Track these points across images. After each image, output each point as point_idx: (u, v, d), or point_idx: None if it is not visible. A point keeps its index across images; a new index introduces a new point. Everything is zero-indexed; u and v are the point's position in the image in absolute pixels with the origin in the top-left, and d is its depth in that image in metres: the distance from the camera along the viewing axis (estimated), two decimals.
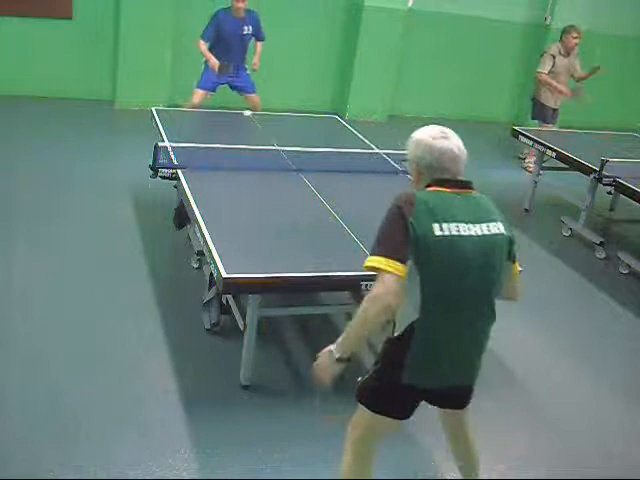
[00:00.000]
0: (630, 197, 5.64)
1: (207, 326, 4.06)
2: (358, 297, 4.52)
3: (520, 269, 2.63)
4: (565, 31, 7.77)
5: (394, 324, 2.51)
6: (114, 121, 7.99)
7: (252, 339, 3.55)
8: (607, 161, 5.67)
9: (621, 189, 5.72)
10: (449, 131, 2.48)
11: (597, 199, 6.15)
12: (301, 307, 4.12)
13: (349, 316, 4.45)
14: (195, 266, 4.65)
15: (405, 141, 2.56)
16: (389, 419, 2.59)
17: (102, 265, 4.71)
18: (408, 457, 3.34)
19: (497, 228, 2.43)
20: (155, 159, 4.48)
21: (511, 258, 2.52)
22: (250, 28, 6.93)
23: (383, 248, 2.33)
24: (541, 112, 7.94)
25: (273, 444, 3.30)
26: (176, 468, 3.07)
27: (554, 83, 7.67)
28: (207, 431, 3.32)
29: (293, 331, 4.22)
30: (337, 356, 2.39)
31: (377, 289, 2.28)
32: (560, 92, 7.71)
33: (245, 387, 3.63)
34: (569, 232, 6.29)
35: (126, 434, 3.23)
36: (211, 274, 3.72)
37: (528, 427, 3.70)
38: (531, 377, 4.13)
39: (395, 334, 2.48)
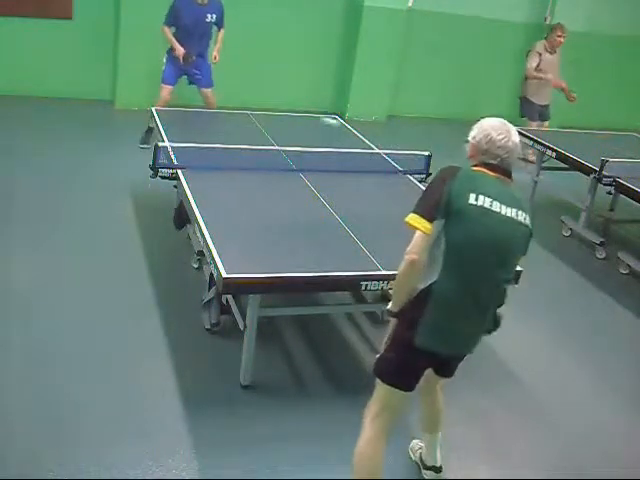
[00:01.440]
0: (630, 197, 5.64)
1: (207, 326, 4.06)
2: (358, 297, 4.54)
3: (521, 269, 2.72)
4: (551, 29, 7.88)
5: None
6: (114, 121, 7.99)
7: (252, 339, 3.54)
8: (607, 161, 5.67)
9: (621, 189, 5.72)
10: (511, 127, 2.71)
11: (597, 199, 6.15)
12: (301, 307, 4.12)
13: (349, 316, 4.47)
14: (195, 266, 4.65)
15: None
16: (400, 391, 2.72)
17: (102, 265, 4.71)
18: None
19: (524, 218, 2.63)
20: (155, 159, 4.48)
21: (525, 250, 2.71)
22: (214, 16, 6.68)
23: (417, 206, 2.58)
24: (528, 109, 8.00)
25: (273, 444, 3.30)
26: (176, 468, 3.07)
27: (542, 75, 7.77)
28: (207, 431, 3.32)
29: (293, 331, 4.22)
30: (387, 308, 2.69)
31: (408, 247, 2.53)
32: (549, 80, 7.79)
33: (245, 387, 3.63)
34: (569, 232, 6.29)
35: (126, 434, 3.23)
36: (211, 274, 3.72)
37: (528, 427, 3.70)
38: (531, 377, 4.13)
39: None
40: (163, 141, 4.84)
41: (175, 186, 4.73)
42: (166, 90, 6.79)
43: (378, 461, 2.76)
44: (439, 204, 2.51)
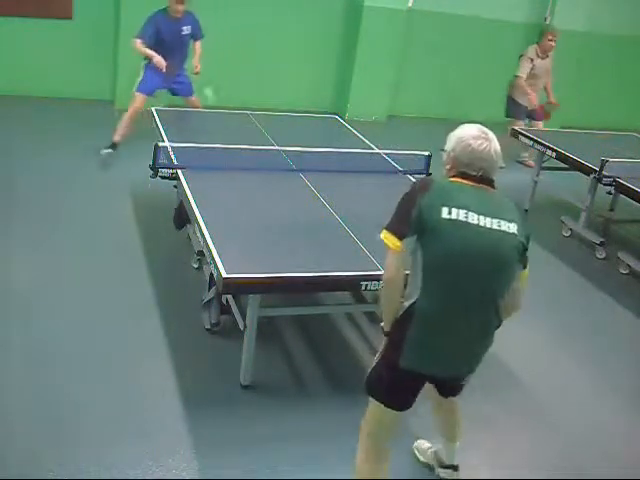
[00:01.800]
0: (630, 197, 5.64)
1: (207, 326, 4.06)
2: (358, 297, 4.54)
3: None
4: (542, 33, 7.81)
5: None
6: (114, 121, 7.97)
7: (252, 339, 3.54)
8: (607, 161, 5.67)
9: (621, 189, 5.72)
10: (490, 133, 2.56)
11: (597, 199, 6.15)
12: (301, 307, 4.12)
13: (349, 316, 4.47)
14: (195, 266, 4.65)
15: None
16: (392, 411, 2.65)
17: (102, 265, 4.71)
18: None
19: (509, 227, 2.47)
20: (155, 159, 4.48)
21: (522, 263, 2.55)
22: (189, 28, 6.67)
23: (389, 223, 2.53)
24: (515, 110, 7.94)
25: (273, 444, 3.30)
26: (176, 468, 3.08)
27: (529, 91, 7.69)
28: (207, 431, 3.32)
29: (293, 331, 4.22)
30: (381, 325, 2.65)
31: (386, 262, 2.51)
32: (530, 100, 7.76)
33: (245, 387, 3.63)
34: (569, 232, 6.29)
35: (126, 434, 3.23)
36: (211, 274, 3.72)
37: (528, 427, 3.70)
38: (531, 377, 4.13)
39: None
40: (163, 141, 4.84)
41: (175, 186, 4.73)
42: (141, 98, 6.58)
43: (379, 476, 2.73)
44: (409, 220, 2.43)
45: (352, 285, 3.56)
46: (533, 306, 4.80)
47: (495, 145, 2.53)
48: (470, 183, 2.51)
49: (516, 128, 6.94)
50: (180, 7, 6.41)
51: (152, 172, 4.51)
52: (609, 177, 5.69)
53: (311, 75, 9.16)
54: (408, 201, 2.50)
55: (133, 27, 7.91)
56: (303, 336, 4.20)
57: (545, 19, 9.70)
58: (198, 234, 3.77)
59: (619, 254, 5.75)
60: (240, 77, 8.53)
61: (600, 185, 5.86)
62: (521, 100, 7.87)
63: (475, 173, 2.51)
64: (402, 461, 3.24)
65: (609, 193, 6.25)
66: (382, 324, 2.64)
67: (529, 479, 3.31)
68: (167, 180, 4.56)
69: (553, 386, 4.09)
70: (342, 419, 3.52)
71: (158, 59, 6.40)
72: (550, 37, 7.70)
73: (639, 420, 3.91)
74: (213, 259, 3.36)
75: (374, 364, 2.68)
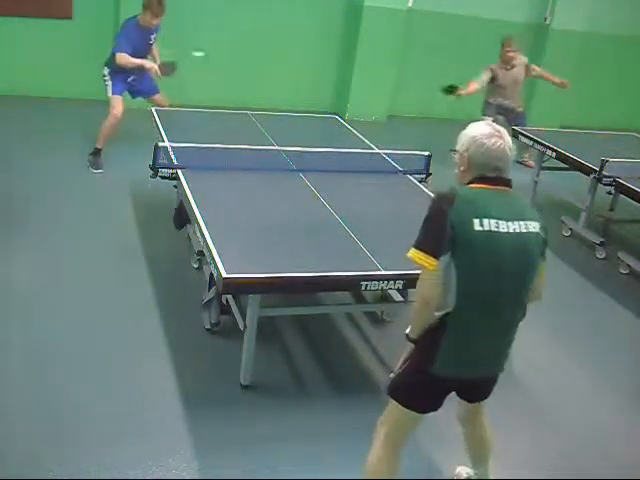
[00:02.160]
0: (630, 197, 5.64)
1: (207, 326, 4.06)
2: (358, 297, 4.54)
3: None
4: (502, 44, 7.62)
5: None
6: None
7: (252, 339, 3.54)
8: (607, 161, 5.67)
9: (621, 189, 5.72)
10: (502, 129, 2.53)
11: (597, 199, 6.15)
12: (301, 307, 4.12)
13: (349, 316, 4.47)
14: (195, 266, 4.65)
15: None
16: (416, 413, 2.66)
17: (102, 265, 4.71)
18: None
19: (533, 227, 2.51)
20: (155, 159, 4.48)
21: (542, 255, 2.63)
22: (155, 36, 6.69)
23: (420, 242, 2.44)
24: (488, 110, 7.80)
25: (273, 444, 3.30)
26: (176, 468, 3.07)
27: (466, 92, 7.44)
28: (207, 431, 3.32)
29: (293, 331, 4.22)
30: (406, 332, 2.59)
31: (417, 284, 2.46)
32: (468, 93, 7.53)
33: (245, 387, 3.63)
34: (569, 232, 6.29)
35: (126, 434, 3.23)
36: (211, 274, 3.72)
37: (528, 427, 3.70)
38: (531, 376, 4.13)
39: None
40: (163, 141, 4.84)
41: (175, 186, 4.73)
42: (119, 101, 6.56)
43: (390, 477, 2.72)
44: (443, 238, 2.37)
45: (352, 285, 3.55)
46: (533, 306, 4.80)
47: (509, 142, 2.50)
48: (490, 187, 2.48)
49: (516, 128, 6.94)
50: (156, 21, 6.40)
51: (152, 172, 4.51)
52: (609, 177, 5.69)
53: (311, 75, 9.16)
54: (439, 218, 2.41)
55: None
56: (303, 336, 4.20)
57: (545, 19, 9.70)
58: (198, 234, 3.77)
59: (619, 254, 5.75)
60: (240, 77, 8.54)
61: (600, 185, 5.86)
62: (492, 100, 7.78)
63: (491, 174, 2.48)
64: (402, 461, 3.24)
65: (609, 193, 6.25)
66: (408, 332, 2.59)
67: (529, 479, 3.31)
68: (167, 180, 4.57)
69: (553, 386, 4.09)
70: (342, 419, 3.52)
71: (150, 65, 6.42)
72: (507, 47, 7.54)
73: (639, 420, 3.91)
74: (213, 259, 3.36)
75: (400, 370, 2.65)
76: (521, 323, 2.69)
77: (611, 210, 6.67)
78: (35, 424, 3.21)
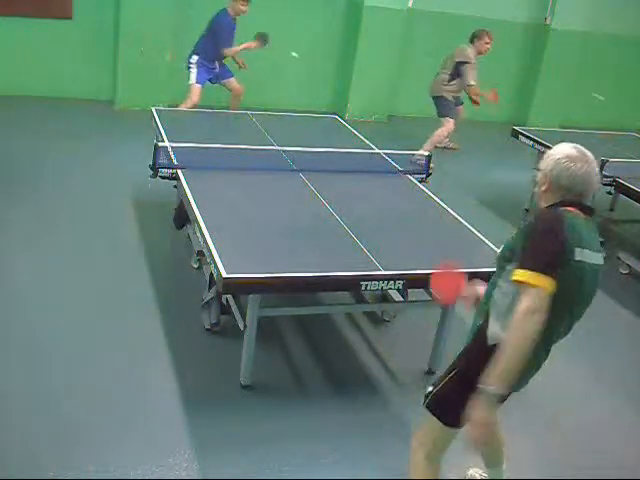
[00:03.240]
0: (630, 197, 5.64)
1: (207, 326, 4.06)
2: (358, 297, 4.54)
3: None
4: (477, 36, 7.56)
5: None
6: (114, 121, 7.99)
7: (252, 339, 3.55)
8: (607, 161, 5.67)
9: (621, 189, 5.72)
10: (589, 154, 2.45)
11: (597, 199, 6.14)
12: (301, 307, 4.13)
13: (349, 316, 4.47)
14: (195, 266, 4.65)
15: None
16: (454, 430, 2.61)
17: (102, 265, 4.71)
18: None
19: (602, 259, 2.48)
20: (155, 159, 4.49)
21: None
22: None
23: (534, 263, 2.29)
24: (450, 109, 7.70)
25: (273, 444, 3.30)
26: (176, 468, 3.08)
27: (485, 94, 7.53)
28: (207, 431, 3.32)
29: (293, 331, 4.22)
30: (500, 393, 2.30)
31: (530, 304, 2.25)
32: (490, 99, 7.60)
33: (245, 387, 3.63)
34: None
35: (126, 434, 3.23)
36: (211, 274, 3.72)
37: (527, 427, 3.70)
38: None
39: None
40: (163, 141, 4.84)
41: (175, 186, 4.73)
42: (198, 89, 7.22)
43: None
44: (560, 257, 2.30)
45: (352, 285, 3.55)
46: None
47: (594, 167, 2.43)
48: (583, 216, 2.43)
49: (517, 128, 6.93)
50: (245, 8, 7.09)
51: (152, 172, 4.51)
52: (609, 177, 5.69)
53: (311, 75, 9.16)
54: (555, 238, 2.31)
55: (133, 27, 7.97)
56: (303, 336, 4.20)
57: (545, 19, 9.70)
58: (198, 234, 3.77)
59: (619, 254, 5.75)
60: (240, 77, 8.52)
61: (600, 185, 5.86)
62: (451, 97, 7.69)
63: (577, 199, 2.43)
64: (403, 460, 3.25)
65: (609, 193, 6.25)
66: (493, 389, 2.28)
67: (529, 479, 3.32)
68: (167, 180, 4.57)
69: (553, 386, 4.08)
70: (342, 419, 3.53)
71: (249, 45, 7.26)
72: (487, 40, 7.52)
73: (639, 420, 3.91)
74: (213, 259, 3.36)
75: (442, 385, 2.58)
76: None
77: (611, 210, 6.67)
78: (35, 424, 3.21)
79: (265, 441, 3.31)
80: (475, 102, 7.54)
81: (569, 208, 2.42)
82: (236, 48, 7.18)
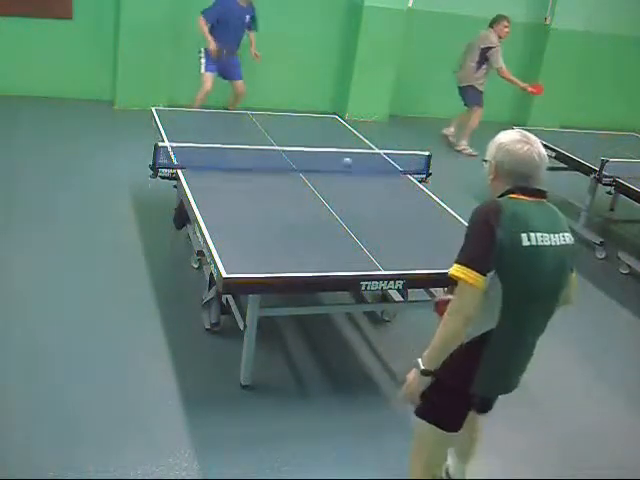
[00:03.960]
0: (630, 197, 5.64)
1: (207, 326, 4.06)
2: (358, 297, 4.54)
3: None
4: (497, 21, 7.94)
5: None
6: (114, 121, 7.99)
7: (252, 339, 3.54)
8: (607, 161, 5.67)
9: (621, 189, 5.72)
10: (532, 136, 2.45)
11: (597, 199, 6.15)
12: (301, 307, 4.13)
13: (349, 316, 4.47)
14: (195, 266, 4.65)
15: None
16: (449, 433, 2.61)
17: (102, 265, 4.71)
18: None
19: (568, 238, 2.45)
20: (155, 159, 4.49)
21: (572, 266, 2.55)
22: (249, 17, 7.35)
23: (465, 257, 2.31)
24: (477, 97, 8.11)
25: (273, 444, 3.30)
26: (176, 468, 3.07)
27: (520, 82, 7.96)
28: (207, 431, 3.32)
29: (293, 331, 4.22)
30: (422, 369, 2.41)
31: (456, 302, 2.31)
32: (520, 86, 8.00)
33: (245, 387, 3.63)
34: None
35: (126, 434, 3.23)
36: (211, 274, 3.72)
37: (527, 427, 3.70)
38: (530, 377, 4.10)
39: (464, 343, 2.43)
40: (163, 141, 4.84)
41: (175, 186, 4.73)
42: (208, 78, 7.31)
43: None
44: (492, 254, 2.26)
45: (352, 285, 3.55)
46: None
47: (538, 148, 2.42)
48: (529, 199, 2.40)
49: (516, 128, 6.96)
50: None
51: (152, 172, 4.51)
52: (609, 177, 5.69)
53: (311, 75, 9.16)
54: (486, 233, 2.28)
55: (133, 27, 7.97)
56: (303, 336, 4.20)
57: (545, 19, 9.70)
58: (198, 234, 3.77)
59: (619, 254, 5.75)
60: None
61: (600, 185, 5.87)
62: (481, 87, 8.03)
63: (524, 183, 2.40)
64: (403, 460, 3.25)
65: (609, 193, 6.25)
66: (420, 366, 2.42)
67: (529, 479, 3.32)
68: (167, 180, 4.57)
69: (552, 386, 4.09)
70: (342, 419, 3.52)
71: (212, 46, 7.08)
72: (506, 23, 7.89)
73: (639, 420, 3.91)
74: (213, 259, 3.36)
75: (427, 390, 2.51)
76: None
77: (611, 210, 6.67)
78: (35, 424, 3.21)
79: (265, 441, 3.31)
80: (530, 90, 7.98)
81: (513, 195, 2.39)
82: (204, 29, 7.08)
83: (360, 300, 4.55)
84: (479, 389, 2.48)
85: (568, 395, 4.03)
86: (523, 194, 2.40)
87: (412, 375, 2.45)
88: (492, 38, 7.91)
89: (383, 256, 3.58)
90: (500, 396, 3.87)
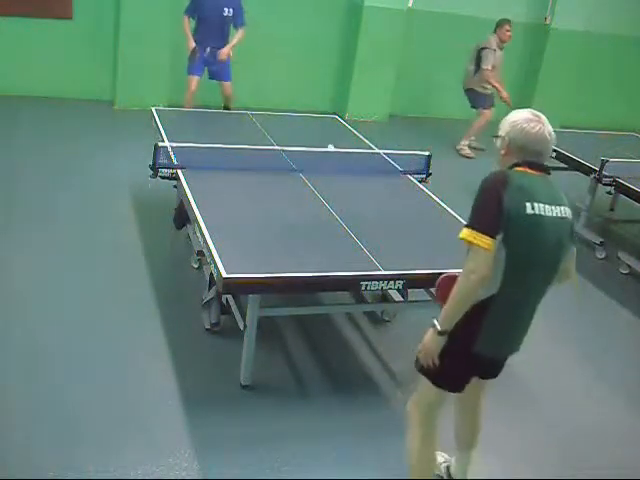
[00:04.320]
0: (630, 197, 5.64)
1: (207, 326, 4.06)
2: (358, 297, 4.54)
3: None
4: (499, 25, 8.00)
5: None
6: (114, 121, 7.99)
7: (252, 339, 3.54)
8: (607, 161, 5.67)
9: (621, 189, 5.72)
10: (542, 116, 2.62)
11: (597, 199, 6.15)
12: (301, 307, 4.12)
13: (349, 316, 4.47)
14: (195, 266, 4.65)
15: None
16: (446, 392, 2.74)
17: (102, 265, 4.71)
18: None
19: (567, 212, 2.59)
20: (155, 159, 4.49)
21: (572, 241, 2.68)
22: (231, 11, 6.83)
23: (474, 221, 2.47)
24: (480, 99, 8.12)
25: (273, 444, 3.30)
26: (176, 468, 3.07)
27: (497, 85, 7.95)
28: (207, 431, 3.32)
29: (293, 331, 4.22)
30: (439, 329, 2.54)
31: (469, 264, 2.44)
32: (500, 93, 7.97)
33: (245, 387, 3.63)
34: None
35: (126, 434, 3.23)
36: (211, 274, 3.72)
37: (527, 427, 3.70)
38: (530, 376, 4.12)
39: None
40: (163, 141, 4.84)
41: (175, 186, 4.73)
42: (193, 80, 7.05)
43: (432, 454, 2.83)
44: (499, 218, 2.42)
45: (352, 285, 3.55)
46: None
47: (548, 128, 2.59)
48: (535, 173, 2.55)
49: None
50: None
51: (152, 172, 4.51)
52: (609, 177, 5.70)
53: (311, 75, 9.16)
54: (493, 198, 2.45)
55: (133, 27, 7.97)
56: (303, 336, 4.20)
57: (545, 19, 9.70)
58: (198, 234, 3.77)
59: (619, 254, 5.75)
60: (240, 77, 8.52)
61: (600, 185, 5.87)
62: (481, 89, 8.05)
63: (532, 159, 2.55)
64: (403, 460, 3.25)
65: (609, 193, 6.25)
66: (437, 326, 2.54)
67: (529, 479, 3.32)
68: (167, 180, 4.57)
69: (552, 386, 4.09)
70: (342, 419, 3.52)
71: (189, 44, 6.83)
72: (508, 27, 7.93)
73: (639, 420, 3.91)
74: (213, 259, 3.36)
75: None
76: None
77: (611, 210, 6.67)
78: (35, 424, 3.21)
79: (265, 441, 3.31)
80: (505, 100, 7.90)
81: (519, 168, 2.55)
82: (186, 27, 6.83)
83: (360, 300, 4.55)
84: (481, 349, 2.59)
85: (568, 395, 4.03)
86: (530, 168, 2.56)
87: (429, 336, 2.58)
88: (490, 40, 7.96)
89: (383, 256, 3.58)
90: (500, 396, 3.89)
